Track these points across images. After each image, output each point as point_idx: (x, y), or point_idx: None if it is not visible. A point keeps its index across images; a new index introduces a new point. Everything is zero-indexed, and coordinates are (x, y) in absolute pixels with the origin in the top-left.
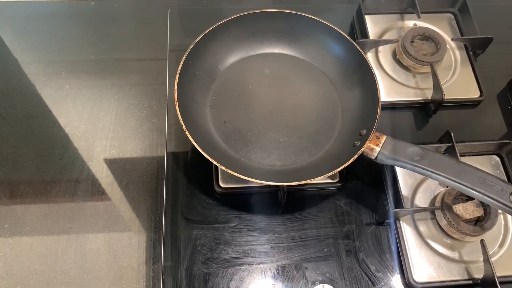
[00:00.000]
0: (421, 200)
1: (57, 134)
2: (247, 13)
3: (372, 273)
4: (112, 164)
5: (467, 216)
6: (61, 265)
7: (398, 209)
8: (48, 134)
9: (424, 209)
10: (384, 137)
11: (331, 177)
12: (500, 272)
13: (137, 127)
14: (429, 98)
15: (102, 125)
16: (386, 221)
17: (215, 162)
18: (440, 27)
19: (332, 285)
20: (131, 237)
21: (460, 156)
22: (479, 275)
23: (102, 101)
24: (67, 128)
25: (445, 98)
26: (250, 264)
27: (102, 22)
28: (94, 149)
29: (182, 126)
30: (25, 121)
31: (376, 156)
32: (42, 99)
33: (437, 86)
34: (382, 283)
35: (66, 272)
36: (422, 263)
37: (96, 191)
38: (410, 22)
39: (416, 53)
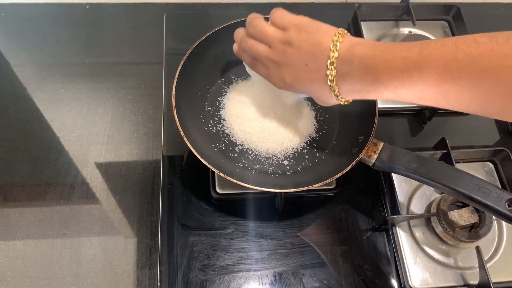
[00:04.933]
0: (417, 206)
1: (52, 139)
2: (246, 18)
3: (369, 279)
4: (107, 169)
5: (462, 223)
6: (56, 272)
7: (394, 216)
8: (42, 138)
9: (420, 216)
10: (381, 144)
11: (328, 184)
12: (495, 278)
13: (133, 131)
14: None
15: (97, 129)
16: (382, 227)
17: (212, 168)
18: (435, 35)
19: None
20: (126, 243)
21: (455, 162)
22: (474, 281)
23: (97, 105)
24: (61, 133)
25: None
26: (247, 271)
27: (97, 26)
28: (89, 154)
29: (179, 131)
30: (18, 125)
31: (374, 163)
32: (36, 103)
33: None
34: None
35: (61, 279)
36: (418, 269)
37: (91, 197)
38: (405, 29)
39: None
